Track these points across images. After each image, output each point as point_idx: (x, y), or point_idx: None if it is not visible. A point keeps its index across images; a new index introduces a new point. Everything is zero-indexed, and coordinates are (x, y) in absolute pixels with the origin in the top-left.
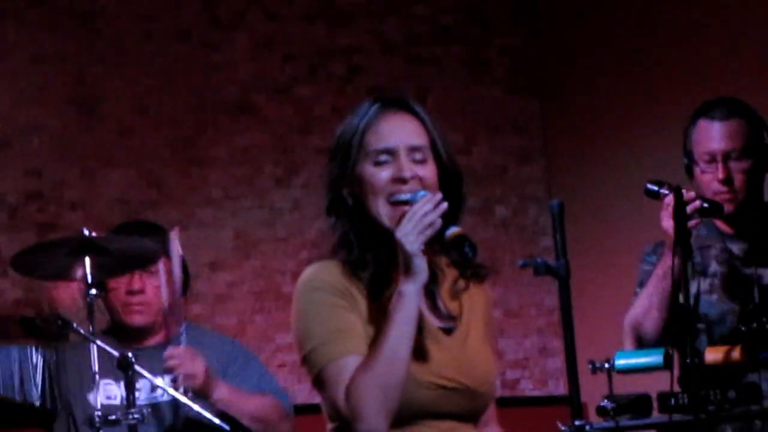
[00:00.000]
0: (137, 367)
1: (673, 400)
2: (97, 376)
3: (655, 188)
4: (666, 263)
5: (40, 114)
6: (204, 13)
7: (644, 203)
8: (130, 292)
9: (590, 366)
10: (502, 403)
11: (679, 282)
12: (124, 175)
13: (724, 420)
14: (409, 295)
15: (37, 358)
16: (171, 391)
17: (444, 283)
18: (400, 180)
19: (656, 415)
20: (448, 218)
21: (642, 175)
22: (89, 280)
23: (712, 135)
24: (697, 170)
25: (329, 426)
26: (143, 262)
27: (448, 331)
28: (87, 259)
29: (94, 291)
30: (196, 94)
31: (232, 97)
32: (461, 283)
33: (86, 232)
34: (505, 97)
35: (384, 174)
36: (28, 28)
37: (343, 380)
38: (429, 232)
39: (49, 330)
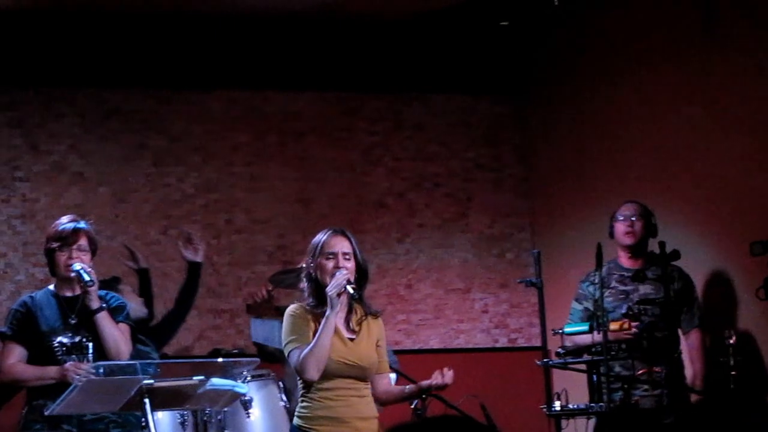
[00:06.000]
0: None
1: (593, 349)
2: None
3: None
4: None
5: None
6: (355, 152)
7: (590, 252)
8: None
9: (552, 331)
10: (510, 349)
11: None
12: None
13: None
14: (330, 318)
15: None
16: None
17: (354, 317)
18: (337, 268)
19: (586, 356)
20: (358, 284)
21: (590, 243)
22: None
23: (625, 210)
24: (616, 226)
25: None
26: None
27: (352, 340)
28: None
29: None
30: (351, 195)
31: (372, 197)
32: (363, 317)
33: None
34: (514, 200)
35: (331, 264)
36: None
37: (300, 356)
38: (340, 288)
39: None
